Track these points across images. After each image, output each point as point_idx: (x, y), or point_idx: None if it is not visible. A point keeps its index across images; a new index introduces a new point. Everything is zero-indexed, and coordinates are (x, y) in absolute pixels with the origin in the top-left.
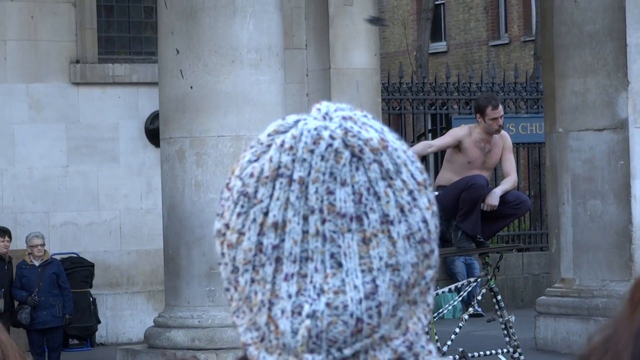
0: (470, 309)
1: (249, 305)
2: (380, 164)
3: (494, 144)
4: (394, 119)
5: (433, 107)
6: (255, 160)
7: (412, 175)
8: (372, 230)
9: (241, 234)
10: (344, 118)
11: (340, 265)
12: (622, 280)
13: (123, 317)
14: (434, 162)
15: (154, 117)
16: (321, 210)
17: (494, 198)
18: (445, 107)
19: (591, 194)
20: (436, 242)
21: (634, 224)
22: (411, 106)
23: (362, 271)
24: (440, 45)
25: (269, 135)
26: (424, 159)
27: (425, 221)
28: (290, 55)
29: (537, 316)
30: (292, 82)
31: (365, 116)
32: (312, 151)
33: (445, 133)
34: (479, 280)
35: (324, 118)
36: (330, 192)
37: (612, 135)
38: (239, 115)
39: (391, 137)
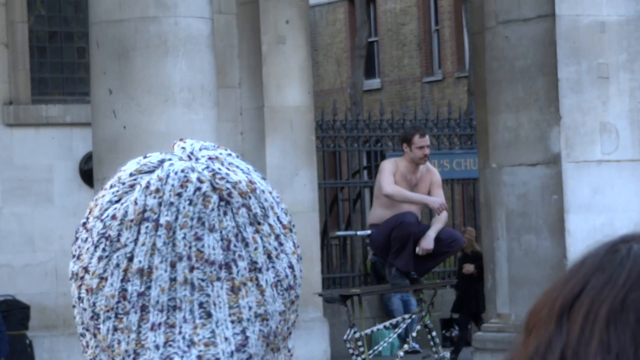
0: (406, 346)
1: (110, 355)
2: (249, 208)
3: (421, 177)
4: (329, 156)
5: (367, 144)
6: (117, 201)
7: (278, 218)
8: (241, 278)
9: (102, 278)
10: (210, 158)
11: (209, 315)
12: None
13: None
14: (369, 198)
15: (88, 158)
16: (189, 257)
17: (428, 242)
18: (379, 144)
19: (525, 228)
20: (300, 287)
21: (568, 258)
22: (345, 143)
23: (232, 322)
24: (374, 82)
25: (131, 174)
26: (358, 196)
27: (291, 267)
28: (224, 93)
29: (474, 352)
30: (225, 121)
31: (230, 155)
32: (179, 194)
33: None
34: (414, 316)
35: (189, 157)
36: (199, 238)
37: (545, 170)
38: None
39: (258, 179)
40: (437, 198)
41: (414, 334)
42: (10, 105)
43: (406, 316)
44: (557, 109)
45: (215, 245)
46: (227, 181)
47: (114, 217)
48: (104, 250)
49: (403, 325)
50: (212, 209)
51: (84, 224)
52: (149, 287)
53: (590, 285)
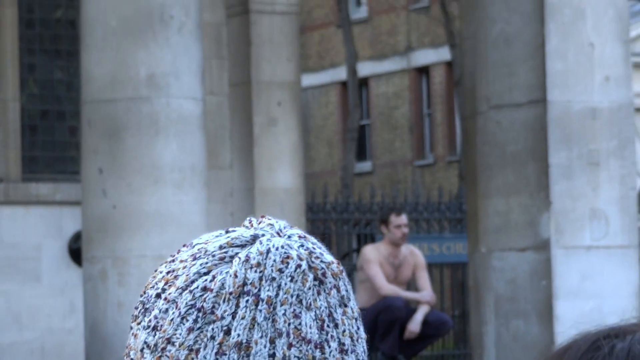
0: None
1: None
2: (338, 289)
3: (404, 259)
4: (319, 238)
5: (357, 227)
6: (206, 273)
7: (354, 303)
8: (332, 359)
9: (192, 350)
10: (300, 237)
11: None
12: None
13: None
14: None
15: (77, 237)
16: (288, 334)
17: (415, 325)
18: (369, 227)
19: (514, 314)
20: None
21: (556, 344)
22: (335, 226)
23: None
24: (366, 165)
25: (221, 247)
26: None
27: (365, 352)
28: (215, 174)
29: None
30: (216, 202)
31: (312, 236)
32: (280, 270)
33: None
34: None
35: (279, 234)
36: (297, 316)
37: (534, 256)
38: (162, 235)
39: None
40: (428, 292)
41: None
42: (0, 183)
43: None
44: (547, 195)
45: (311, 323)
46: (322, 261)
47: (205, 288)
48: (195, 321)
49: None
50: (310, 288)
51: (159, 294)
52: None
53: None
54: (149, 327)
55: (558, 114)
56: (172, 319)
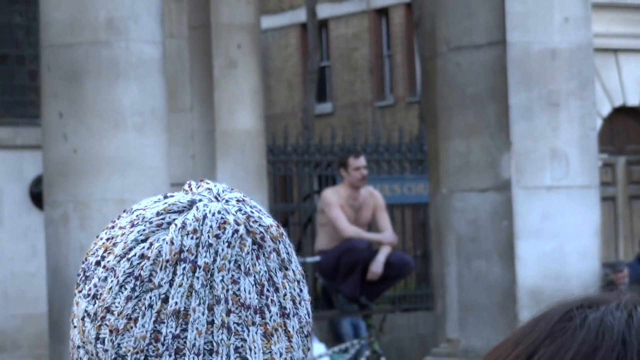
0: None
1: None
2: (278, 253)
3: (363, 201)
4: (280, 180)
5: (318, 169)
6: (144, 240)
7: (297, 265)
8: (273, 324)
9: (131, 319)
10: (238, 201)
11: None
12: None
13: None
14: None
15: (38, 181)
16: (227, 301)
17: (377, 265)
18: (330, 168)
19: (476, 254)
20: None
21: (518, 284)
22: (296, 168)
23: None
24: (326, 107)
25: (158, 213)
26: (309, 220)
27: (309, 313)
28: (175, 117)
29: None
30: (176, 145)
31: (252, 199)
32: (217, 236)
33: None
34: (363, 342)
35: (216, 199)
36: (235, 282)
37: (495, 196)
38: (123, 179)
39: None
40: (389, 233)
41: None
42: None
43: (355, 342)
44: (507, 136)
45: (250, 289)
46: (260, 225)
47: (143, 256)
48: (132, 290)
49: (352, 351)
50: (248, 252)
51: (98, 262)
52: (184, 330)
53: (538, 355)
54: (89, 295)
55: (518, 55)
56: (110, 288)
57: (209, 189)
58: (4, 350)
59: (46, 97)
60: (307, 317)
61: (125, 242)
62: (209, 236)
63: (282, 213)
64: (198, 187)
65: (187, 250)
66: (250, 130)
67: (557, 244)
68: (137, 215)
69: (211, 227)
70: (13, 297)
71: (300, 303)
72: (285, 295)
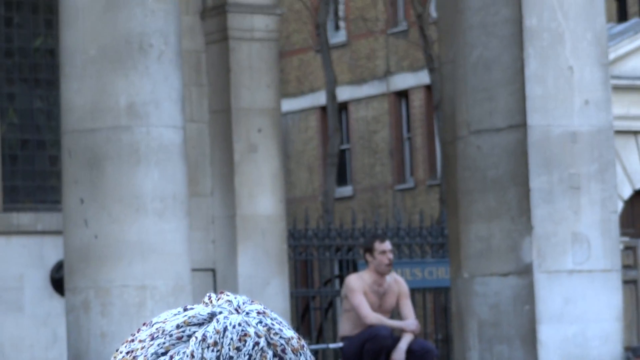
0: None
1: None
2: None
3: (388, 287)
4: (300, 265)
5: (339, 253)
6: (164, 354)
7: None
8: None
9: None
10: (259, 313)
11: None
12: None
13: None
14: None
15: (60, 266)
16: None
17: (399, 354)
18: (351, 253)
19: (497, 339)
20: None
21: None
22: (317, 252)
23: None
24: (346, 190)
25: (178, 326)
26: (330, 305)
27: None
28: (196, 202)
29: None
30: (197, 229)
31: (272, 311)
32: (238, 349)
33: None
34: None
35: (237, 311)
36: None
37: (517, 280)
38: (144, 264)
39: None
40: (412, 321)
41: None
42: None
43: None
44: (528, 219)
45: None
46: (281, 337)
47: None
48: None
49: None
50: None
51: None
52: None
53: None
54: None
55: (538, 138)
56: None
57: (229, 301)
58: None
59: (67, 182)
60: None
61: (145, 356)
62: (229, 349)
63: (302, 298)
64: (218, 299)
65: None
66: (271, 214)
67: (579, 328)
68: (156, 329)
69: (232, 339)
70: None
71: None
72: None
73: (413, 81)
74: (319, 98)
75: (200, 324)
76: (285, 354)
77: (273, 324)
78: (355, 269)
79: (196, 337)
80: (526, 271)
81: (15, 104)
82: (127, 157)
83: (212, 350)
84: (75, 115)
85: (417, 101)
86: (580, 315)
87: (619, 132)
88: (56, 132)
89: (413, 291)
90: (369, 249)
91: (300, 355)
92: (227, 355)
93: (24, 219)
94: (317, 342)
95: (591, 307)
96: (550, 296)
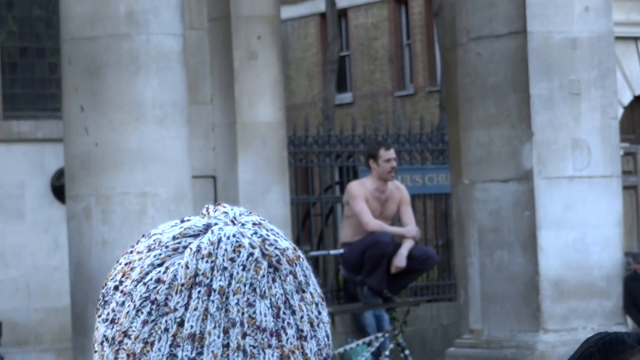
0: None
1: None
2: (295, 275)
3: (390, 194)
4: (301, 171)
5: (339, 160)
6: (160, 264)
7: (315, 287)
8: (290, 346)
9: (147, 343)
10: (255, 224)
11: None
12: (531, 331)
13: None
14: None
15: (60, 174)
16: (242, 324)
17: (400, 259)
18: (351, 159)
19: (498, 245)
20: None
21: (540, 275)
22: (317, 159)
23: None
24: (346, 97)
25: (174, 237)
26: (330, 211)
27: (328, 336)
28: (196, 110)
29: None
30: (197, 137)
31: (270, 222)
32: (232, 259)
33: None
34: (387, 334)
35: (233, 222)
36: (251, 305)
37: (517, 187)
38: (145, 172)
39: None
40: (412, 227)
41: (387, 352)
42: None
43: (379, 334)
44: (529, 126)
45: (266, 312)
46: (276, 247)
47: (159, 280)
48: (149, 314)
49: (376, 344)
50: (263, 276)
51: (117, 287)
52: (200, 353)
53: None
54: (107, 319)
55: (538, 45)
56: (127, 312)
57: (225, 212)
58: (27, 344)
59: (67, 90)
60: (325, 339)
61: (142, 267)
62: (223, 259)
63: (303, 204)
64: (215, 211)
65: (202, 274)
66: (271, 121)
67: (579, 234)
68: (154, 240)
69: (226, 250)
70: (35, 291)
71: (318, 325)
72: (302, 317)
73: None
74: (319, 5)
75: (195, 235)
76: (281, 264)
77: (268, 235)
78: (355, 176)
79: (191, 249)
80: (526, 177)
81: (14, 11)
82: (127, 65)
83: (207, 261)
84: (74, 23)
85: (417, 8)
86: (580, 221)
87: (619, 38)
88: (56, 39)
89: (413, 197)
90: (373, 156)
91: (296, 265)
92: (221, 266)
93: (24, 126)
94: (318, 249)
95: (591, 213)
96: (551, 202)
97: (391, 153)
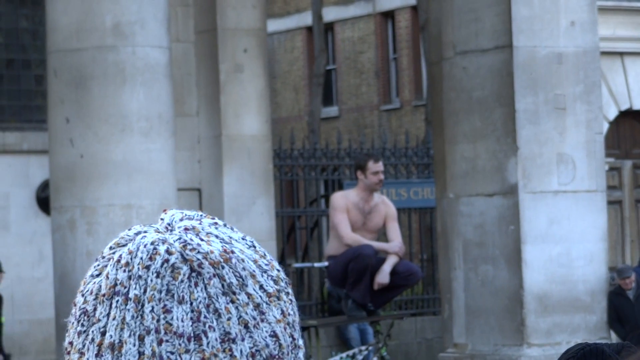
0: None
1: None
2: (222, 278)
3: (375, 206)
4: (286, 185)
5: (325, 173)
6: (97, 275)
7: (261, 287)
8: (211, 350)
9: (82, 353)
10: (185, 229)
11: None
12: (515, 345)
13: None
14: (326, 226)
15: (45, 186)
16: (157, 330)
17: (383, 276)
18: (337, 173)
19: (482, 259)
20: (293, 354)
21: (525, 289)
22: (303, 172)
23: None
24: (332, 110)
25: (111, 248)
26: (315, 224)
27: (275, 335)
28: (181, 122)
29: None
30: (183, 149)
31: (216, 224)
32: (147, 267)
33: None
34: (371, 347)
35: (167, 229)
36: (168, 311)
37: (502, 201)
38: (130, 183)
39: (241, 247)
40: (396, 243)
41: None
42: None
43: (363, 347)
44: (514, 140)
45: (184, 317)
46: (198, 252)
47: (91, 292)
48: (82, 325)
49: (360, 357)
50: (182, 281)
51: (74, 300)
52: None
53: None
54: (66, 330)
55: (524, 59)
56: (72, 323)
57: (162, 218)
58: (10, 356)
59: (53, 102)
60: (267, 339)
61: (85, 279)
62: (139, 268)
63: (288, 217)
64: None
65: (120, 284)
66: (256, 134)
67: (564, 248)
68: (102, 251)
69: (141, 258)
70: (20, 302)
71: (256, 326)
72: (229, 319)
73: (399, 1)
74: (305, 18)
75: (125, 245)
76: (202, 268)
77: (192, 240)
78: (341, 189)
79: (113, 258)
80: (511, 191)
81: (1, 23)
82: (113, 76)
83: (124, 271)
84: (61, 35)
85: (404, 22)
86: (565, 235)
87: (605, 54)
88: (42, 51)
89: (399, 211)
90: (362, 167)
91: (223, 268)
92: (137, 275)
93: (9, 138)
94: (303, 261)
95: (576, 227)
96: (535, 216)
97: (379, 166)
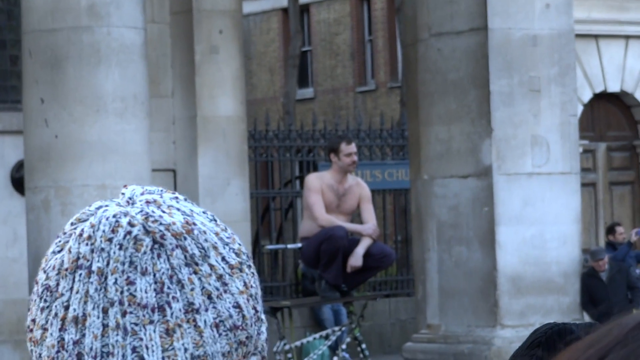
0: (336, 358)
1: None
2: (184, 249)
3: (349, 188)
4: (261, 166)
5: (300, 154)
6: (59, 251)
7: (223, 258)
8: (175, 320)
9: (45, 329)
10: (147, 202)
11: (142, 359)
12: (488, 326)
13: None
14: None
15: (20, 166)
16: (121, 302)
17: (356, 259)
18: (311, 154)
19: (456, 240)
20: (256, 326)
21: (498, 270)
22: (278, 153)
23: None
24: (308, 92)
25: (72, 224)
26: (290, 206)
27: (238, 306)
28: (157, 103)
29: None
30: (158, 130)
31: (176, 198)
32: (110, 240)
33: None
34: (344, 328)
35: (128, 203)
36: (131, 283)
37: (476, 182)
38: (105, 164)
39: (202, 219)
40: (370, 225)
41: (344, 346)
42: None
43: (336, 328)
44: (488, 122)
45: (147, 288)
46: (160, 223)
47: (53, 267)
48: (45, 300)
49: (333, 337)
50: (145, 252)
51: (36, 278)
52: (83, 335)
53: (608, 358)
54: (29, 309)
55: (499, 42)
56: (35, 300)
57: (123, 193)
58: None
59: (27, 82)
60: (231, 310)
61: (46, 255)
62: (101, 241)
63: (263, 198)
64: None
65: (83, 257)
66: (231, 115)
67: (538, 230)
68: (63, 228)
69: (104, 231)
70: None
71: (219, 297)
72: (193, 290)
73: None
74: (281, 0)
75: (86, 220)
76: (165, 239)
77: (154, 212)
78: (315, 170)
79: (75, 232)
80: (485, 173)
81: None
82: (88, 57)
83: (86, 244)
84: (35, 15)
85: (379, 3)
86: (538, 217)
87: (580, 36)
88: (17, 31)
89: (373, 193)
90: (335, 150)
91: (186, 239)
92: (99, 247)
93: None
94: (277, 243)
95: (550, 209)
96: (509, 198)
97: (352, 147)
